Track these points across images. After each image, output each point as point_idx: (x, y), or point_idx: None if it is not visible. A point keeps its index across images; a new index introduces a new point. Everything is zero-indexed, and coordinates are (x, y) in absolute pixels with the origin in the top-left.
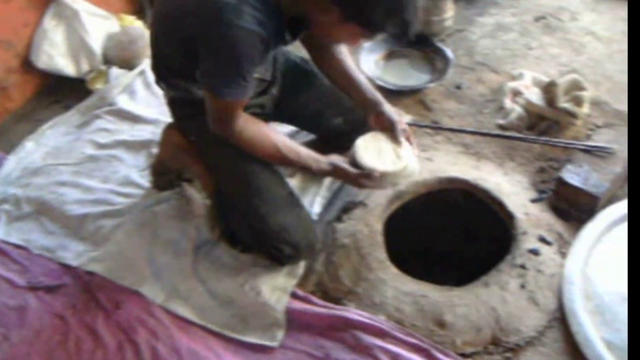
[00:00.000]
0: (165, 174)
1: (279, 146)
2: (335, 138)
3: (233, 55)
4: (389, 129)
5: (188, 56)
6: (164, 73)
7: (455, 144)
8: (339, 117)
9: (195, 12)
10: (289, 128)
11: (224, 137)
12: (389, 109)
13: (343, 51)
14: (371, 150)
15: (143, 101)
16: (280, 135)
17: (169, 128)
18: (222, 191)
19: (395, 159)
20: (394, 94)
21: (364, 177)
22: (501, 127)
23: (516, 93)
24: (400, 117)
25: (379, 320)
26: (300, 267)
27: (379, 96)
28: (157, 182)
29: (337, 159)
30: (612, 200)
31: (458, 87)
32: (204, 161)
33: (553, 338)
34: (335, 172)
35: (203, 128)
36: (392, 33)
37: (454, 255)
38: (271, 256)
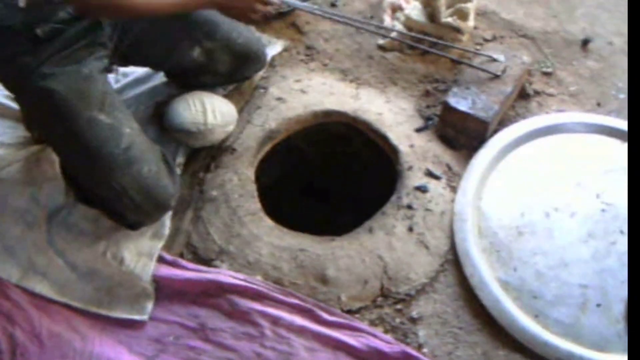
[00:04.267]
0: None
1: None
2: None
3: None
4: None
5: None
6: None
7: (333, 70)
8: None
9: None
10: None
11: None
12: None
13: None
14: None
15: None
16: None
17: None
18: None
19: None
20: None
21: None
22: (381, 47)
23: (395, 9)
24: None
25: (255, 282)
26: (166, 226)
27: None
28: None
29: None
30: (503, 123)
31: (333, 5)
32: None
33: (446, 283)
34: None
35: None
36: None
37: (342, 197)
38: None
